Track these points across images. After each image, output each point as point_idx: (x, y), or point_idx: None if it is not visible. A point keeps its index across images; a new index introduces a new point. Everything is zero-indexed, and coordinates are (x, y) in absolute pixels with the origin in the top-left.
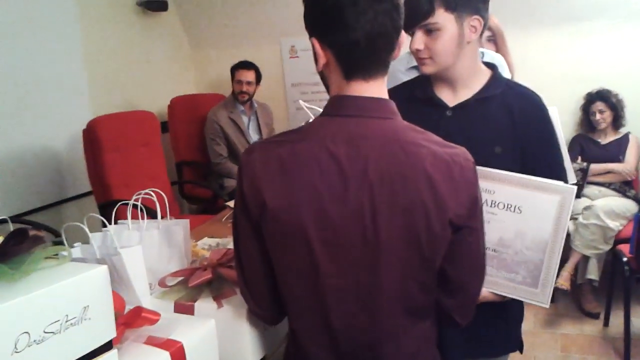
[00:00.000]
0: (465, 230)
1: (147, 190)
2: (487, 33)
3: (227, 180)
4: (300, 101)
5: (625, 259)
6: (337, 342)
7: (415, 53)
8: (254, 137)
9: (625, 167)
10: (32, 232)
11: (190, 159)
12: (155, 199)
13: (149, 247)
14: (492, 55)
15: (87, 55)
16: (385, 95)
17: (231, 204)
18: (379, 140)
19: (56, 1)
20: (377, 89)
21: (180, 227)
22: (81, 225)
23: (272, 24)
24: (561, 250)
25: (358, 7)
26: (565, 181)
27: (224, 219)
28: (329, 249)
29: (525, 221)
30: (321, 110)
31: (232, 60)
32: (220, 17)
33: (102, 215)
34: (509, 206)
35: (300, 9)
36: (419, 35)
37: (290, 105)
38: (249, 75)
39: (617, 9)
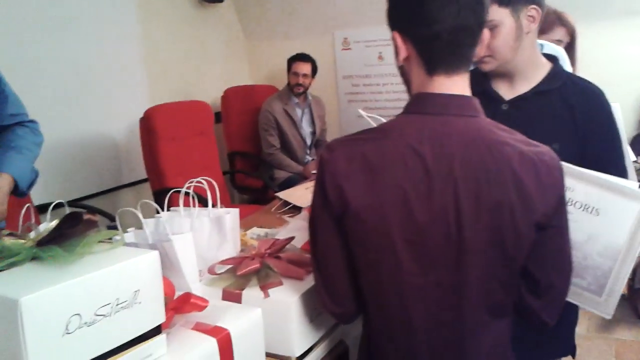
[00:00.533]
0: (551, 230)
1: (199, 179)
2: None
3: (278, 172)
4: (360, 110)
5: None
6: (417, 340)
7: None
8: (306, 129)
9: None
10: (86, 216)
11: (242, 149)
12: (206, 187)
13: (199, 234)
14: (553, 48)
15: (145, 45)
16: (469, 92)
17: (282, 195)
18: (464, 139)
19: None
20: (460, 84)
21: (230, 215)
22: (134, 210)
23: (326, 16)
24: (634, 261)
25: (442, 0)
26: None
27: (273, 209)
28: (412, 248)
29: (601, 224)
30: (382, 119)
31: (285, 53)
32: (274, 10)
33: (156, 202)
34: (587, 207)
35: (354, 1)
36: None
37: (342, 97)
38: (306, 68)
39: None
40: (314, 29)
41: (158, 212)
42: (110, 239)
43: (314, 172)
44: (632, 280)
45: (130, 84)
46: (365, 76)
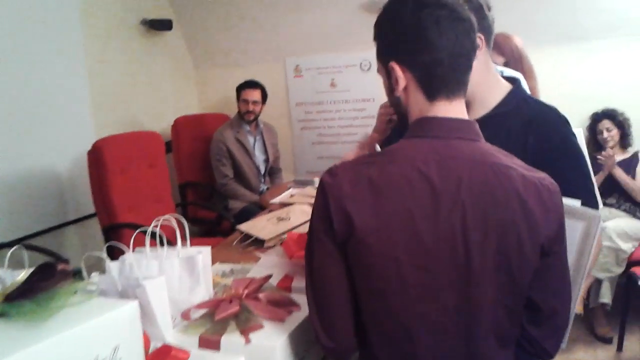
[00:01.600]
0: (553, 256)
1: (166, 217)
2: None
3: (232, 202)
4: (377, 146)
5: (639, 282)
6: None
7: None
8: (259, 157)
9: (635, 184)
10: (60, 266)
11: (193, 179)
12: (175, 225)
13: (169, 277)
14: (510, 72)
15: (91, 75)
16: (467, 116)
17: (243, 227)
18: (469, 162)
19: (60, 22)
20: (460, 108)
21: (202, 255)
22: (101, 255)
23: (277, 43)
24: (584, 280)
25: (440, 26)
26: (594, 204)
27: (234, 243)
28: (419, 273)
29: None
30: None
31: (236, 80)
32: (224, 37)
33: (106, 238)
34: None
35: (305, 28)
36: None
37: (295, 124)
38: (255, 95)
39: (623, 28)
40: (265, 56)
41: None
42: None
43: (273, 201)
44: (587, 299)
45: (75, 116)
46: (318, 103)
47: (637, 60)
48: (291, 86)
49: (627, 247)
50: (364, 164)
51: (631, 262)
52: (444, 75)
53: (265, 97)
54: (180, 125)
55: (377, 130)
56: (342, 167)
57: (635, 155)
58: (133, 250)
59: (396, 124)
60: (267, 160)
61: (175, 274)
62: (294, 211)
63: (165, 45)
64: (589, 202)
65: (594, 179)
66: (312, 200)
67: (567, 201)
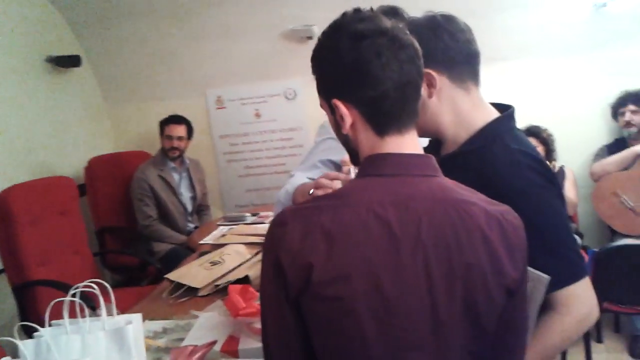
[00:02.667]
0: (518, 296)
1: (86, 282)
2: None
3: (157, 245)
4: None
5: None
6: None
7: None
8: (186, 195)
9: (568, 202)
10: None
11: (112, 224)
12: (97, 291)
13: (94, 354)
14: None
15: None
16: (421, 150)
17: (172, 276)
18: (429, 201)
19: None
20: (412, 142)
21: (133, 325)
22: (14, 340)
23: (197, 75)
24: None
25: (382, 58)
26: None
27: (164, 295)
28: (381, 327)
29: None
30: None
31: (155, 114)
32: (139, 70)
33: (17, 298)
34: None
35: (226, 58)
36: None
37: (220, 158)
38: (180, 130)
39: (541, 47)
40: (184, 88)
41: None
42: None
43: (203, 242)
44: None
45: None
46: (244, 134)
47: (555, 78)
48: (214, 118)
49: None
50: (313, 208)
51: None
52: (393, 108)
53: (191, 133)
54: (95, 166)
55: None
56: (291, 215)
57: (561, 169)
58: (50, 324)
59: None
60: (194, 198)
61: (101, 350)
62: (227, 253)
63: (74, 83)
64: (563, 275)
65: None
66: (246, 239)
67: None
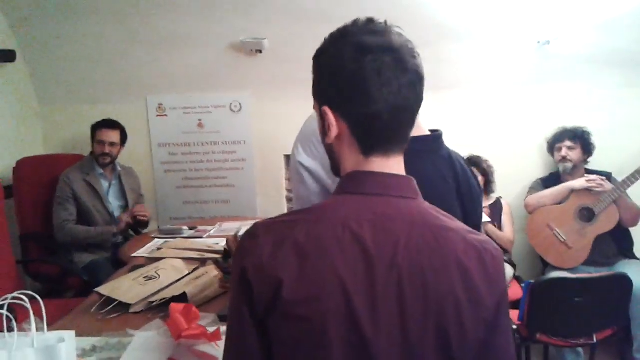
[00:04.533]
0: (497, 330)
1: (15, 294)
2: None
3: (78, 255)
4: None
5: (514, 327)
6: None
7: None
8: (114, 204)
9: (504, 236)
10: None
11: (37, 230)
12: (27, 304)
13: None
14: None
15: None
16: (404, 172)
17: (103, 290)
18: (407, 224)
19: None
20: (397, 165)
21: (65, 344)
22: None
23: (138, 80)
24: None
25: (382, 78)
26: None
27: (93, 309)
28: (351, 352)
29: None
30: None
31: (91, 117)
32: (76, 70)
33: None
34: None
35: (171, 65)
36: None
37: (157, 167)
38: (113, 136)
39: (485, 79)
40: (124, 92)
41: None
42: None
43: (136, 254)
44: None
45: None
46: (184, 144)
47: (489, 109)
48: (153, 126)
49: None
50: (287, 222)
51: None
52: (382, 130)
53: (124, 139)
54: (24, 167)
55: None
56: (263, 228)
57: (497, 201)
58: None
59: None
60: (124, 207)
61: None
62: (163, 267)
63: (6, 78)
64: None
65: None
66: (184, 254)
67: None
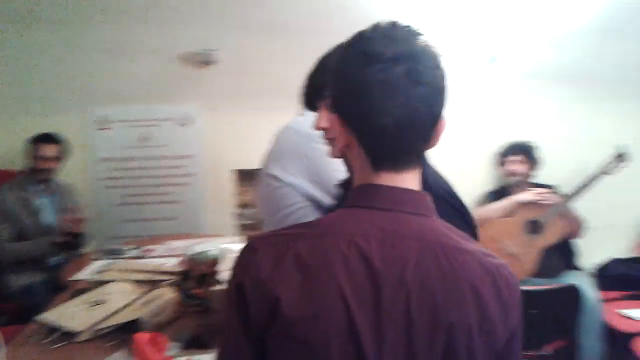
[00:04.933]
0: (509, 356)
1: None
2: None
3: (13, 278)
4: None
5: None
6: None
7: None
8: (51, 220)
9: None
10: None
11: None
12: None
13: None
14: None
15: None
16: (418, 187)
17: (47, 317)
18: (418, 242)
19: None
20: (410, 180)
21: None
22: None
23: (79, 92)
24: None
25: (389, 88)
26: None
27: (33, 339)
28: None
29: None
30: None
31: (24, 130)
32: (10, 80)
33: None
34: None
35: (115, 77)
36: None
37: (97, 183)
38: (53, 150)
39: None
40: (63, 104)
41: None
42: None
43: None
44: None
45: None
46: (129, 159)
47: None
48: (95, 139)
49: None
50: (289, 235)
51: None
52: (390, 145)
53: (65, 153)
54: None
55: None
56: (263, 241)
57: None
58: None
59: None
60: None
61: None
62: (110, 291)
63: None
64: None
65: None
66: (133, 276)
67: None
